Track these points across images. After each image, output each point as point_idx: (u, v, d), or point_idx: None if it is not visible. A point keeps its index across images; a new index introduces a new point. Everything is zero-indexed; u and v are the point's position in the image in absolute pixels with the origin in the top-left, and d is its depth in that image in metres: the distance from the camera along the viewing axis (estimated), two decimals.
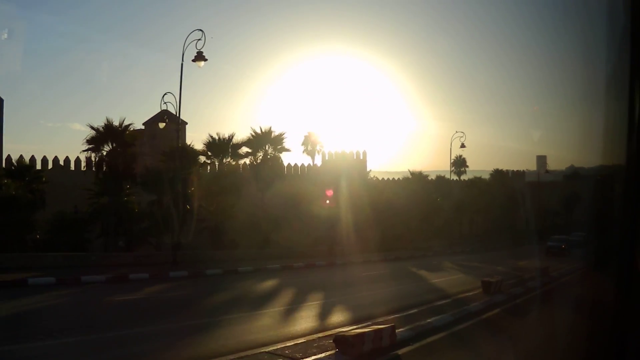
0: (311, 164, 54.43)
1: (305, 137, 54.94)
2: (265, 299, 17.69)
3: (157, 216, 28.24)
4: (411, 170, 54.39)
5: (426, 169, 62.75)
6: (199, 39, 23.08)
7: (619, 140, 4.01)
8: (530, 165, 61.33)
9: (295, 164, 52.85)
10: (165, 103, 25.03)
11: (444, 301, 17.00)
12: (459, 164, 69.20)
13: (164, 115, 69.68)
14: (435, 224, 51.59)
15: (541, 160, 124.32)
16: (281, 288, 21.17)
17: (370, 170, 55.11)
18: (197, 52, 23.15)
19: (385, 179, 57.63)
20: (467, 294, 18.65)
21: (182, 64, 23.81)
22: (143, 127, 68.52)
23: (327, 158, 55.22)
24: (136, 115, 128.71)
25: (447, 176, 66.94)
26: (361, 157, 56.29)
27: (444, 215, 53.83)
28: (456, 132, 44.59)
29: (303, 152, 54.53)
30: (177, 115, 25.25)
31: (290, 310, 15.29)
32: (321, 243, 35.92)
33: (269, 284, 22.49)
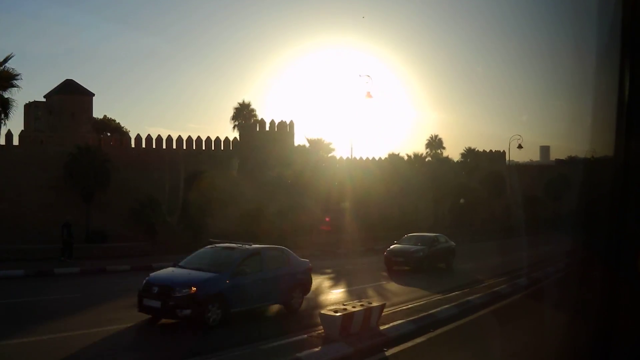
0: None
1: (236, 109, 43.59)
2: None
3: None
4: (309, 137, 43.08)
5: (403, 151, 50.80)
6: None
7: (608, 128, 3.83)
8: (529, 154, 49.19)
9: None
10: None
11: None
12: (435, 145, 58.17)
13: (68, 85, 58.20)
14: (362, 209, 40.03)
15: (544, 151, 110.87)
16: None
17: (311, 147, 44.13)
18: None
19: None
20: None
21: None
22: (44, 100, 58.34)
23: (245, 131, 43.58)
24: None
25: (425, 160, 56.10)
26: (287, 130, 45.10)
27: (379, 201, 42.89)
28: (359, 75, 30.98)
29: (233, 128, 43.24)
30: None
31: None
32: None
33: None
